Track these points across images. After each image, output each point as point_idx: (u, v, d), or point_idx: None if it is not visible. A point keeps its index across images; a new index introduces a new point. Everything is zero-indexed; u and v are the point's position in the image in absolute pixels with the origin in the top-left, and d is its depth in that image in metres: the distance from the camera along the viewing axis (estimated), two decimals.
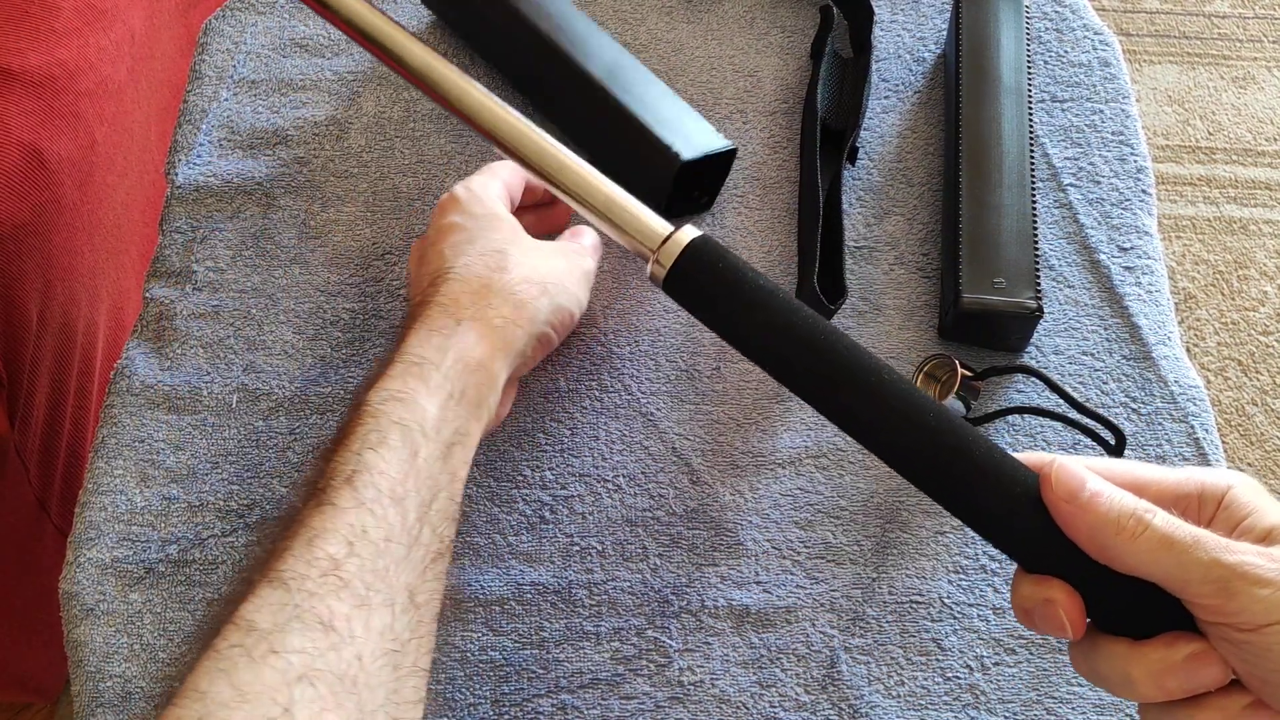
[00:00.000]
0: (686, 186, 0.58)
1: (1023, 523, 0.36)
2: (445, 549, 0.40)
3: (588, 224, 0.51)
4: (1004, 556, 0.44)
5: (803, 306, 0.39)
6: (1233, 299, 1.36)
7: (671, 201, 0.58)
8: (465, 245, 0.47)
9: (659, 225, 0.41)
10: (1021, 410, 0.52)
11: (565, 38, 0.60)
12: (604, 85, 0.58)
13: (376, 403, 0.41)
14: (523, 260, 0.47)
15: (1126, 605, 0.35)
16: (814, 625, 0.49)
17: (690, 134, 0.56)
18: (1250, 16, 1.61)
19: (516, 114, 0.44)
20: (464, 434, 0.42)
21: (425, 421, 0.41)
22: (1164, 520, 0.33)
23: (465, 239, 0.48)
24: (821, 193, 0.57)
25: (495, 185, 0.51)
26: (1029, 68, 0.61)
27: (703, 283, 0.40)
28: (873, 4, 0.64)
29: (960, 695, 0.48)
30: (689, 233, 0.40)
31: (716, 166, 0.58)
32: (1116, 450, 0.49)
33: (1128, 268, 0.58)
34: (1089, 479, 0.35)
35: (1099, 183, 0.61)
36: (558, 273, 0.49)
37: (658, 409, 0.54)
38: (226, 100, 0.64)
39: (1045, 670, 0.48)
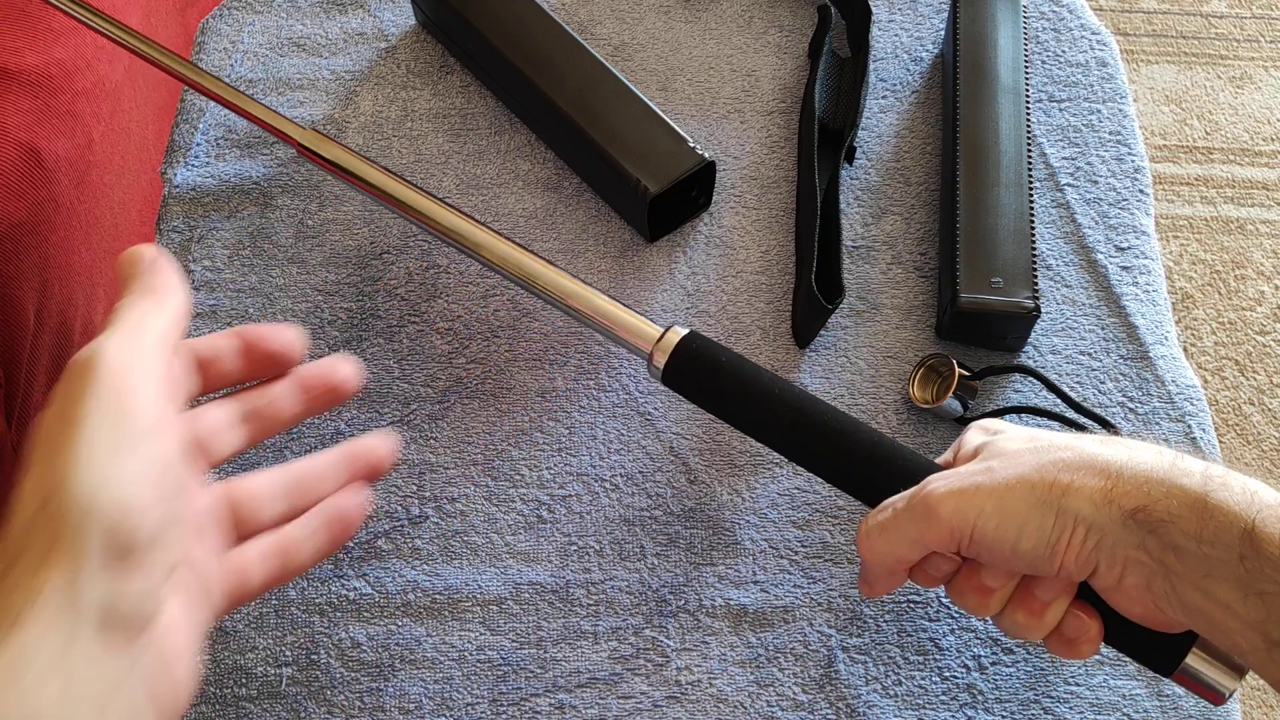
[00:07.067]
0: (672, 203, 0.58)
1: None
2: None
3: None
4: None
5: (782, 379, 0.45)
6: (1230, 299, 1.36)
7: (660, 220, 0.58)
8: None
9: (650, 328, 0.47)
10: (1019, 410, 0.52)
11: (535, 67, 0.59)
12: (573, 119, 0.58)
13: None
14: None
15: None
16: (811, 625, 0.49)
17: (662, 159, 0.56)
18: (1247, 16, 1.61)
19: (526, 251, 0.50)
20: None
21: None
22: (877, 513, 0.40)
23: None
24: (819, 192, 0.57)
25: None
26: (1026, 67, 0.61)
27: (695, 362, 0.46)
28: (870, 3, 0.65)
29: (958, 694, 0.48)
30: (679, 330, 0.46)
31: (700, 176, 0.57)
32: None
33: (1125, 267, 0.58)
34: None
35: (1096, 182, 0.61)
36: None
37: (655, 408, 0.54)
38: None
39: (1042, 669, 0.48)
